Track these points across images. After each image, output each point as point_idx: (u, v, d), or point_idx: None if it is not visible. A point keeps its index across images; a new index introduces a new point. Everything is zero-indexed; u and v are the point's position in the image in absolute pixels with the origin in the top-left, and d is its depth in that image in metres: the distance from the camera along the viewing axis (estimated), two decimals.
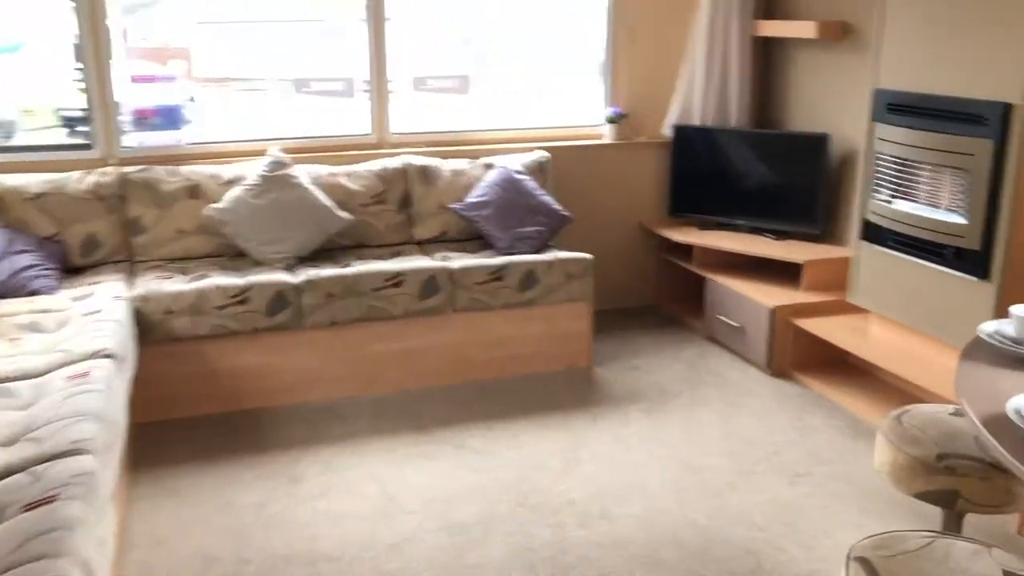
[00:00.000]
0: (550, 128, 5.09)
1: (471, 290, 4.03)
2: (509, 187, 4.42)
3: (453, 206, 4.43)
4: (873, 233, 3.77)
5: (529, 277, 4.10)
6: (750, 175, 4.79)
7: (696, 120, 4.98)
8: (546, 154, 4.72)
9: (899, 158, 3.59)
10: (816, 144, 4.47)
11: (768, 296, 4.26)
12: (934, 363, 3.57)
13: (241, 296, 3.72)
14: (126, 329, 3.35)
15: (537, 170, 4.63)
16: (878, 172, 3.70)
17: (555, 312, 4.20)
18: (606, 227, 5.01)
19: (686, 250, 4.85)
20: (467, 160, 4.63)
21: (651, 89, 5.04)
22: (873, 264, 3.80)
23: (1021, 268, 3.18)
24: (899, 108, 3.55)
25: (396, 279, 3.92)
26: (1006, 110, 3.08)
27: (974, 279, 3.28)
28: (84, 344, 3.09)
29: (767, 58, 4.98)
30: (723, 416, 3.79)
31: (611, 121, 5.00)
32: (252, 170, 4.22)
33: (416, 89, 4.85)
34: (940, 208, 3.45)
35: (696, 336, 4.75)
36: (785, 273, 4.51)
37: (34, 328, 3.33)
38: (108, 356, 3.00)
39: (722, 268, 4.69)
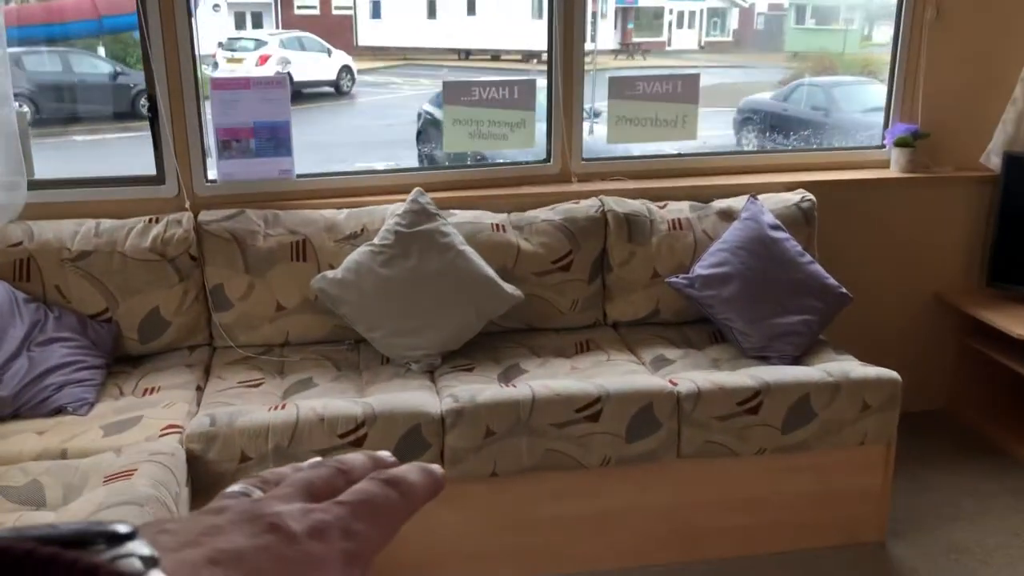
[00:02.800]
0: (808, 152, 3.52)
1: (708, 428, 2.56)
2: (761, 250, 2.90)
3: (673, 280, 2.95)
4: None
5: (801, 408, 2.59)
6: None
7: None
8: (811, 197, 3.16)
9: None
10: None
11: None
12: None
13: (356, 433, 2.39)
14: (173, 502, 2.08)
15: (799, 221, 3.09)
16: None
17: (835, 460, 2.67)
18: (881, 297, 3.41)
19: (1006, 338, 3.19)
20: (691, 204, 3.13)
21: (964, 98, 3.37)
22: None
23: None
24: None
25: (592, 408, 2.49)
26: None
27: None
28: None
29: None
30: None
31: (903, 144, 3.38)
32: (386, 218, 2.89)
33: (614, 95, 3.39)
34: None
35: None
36: None
37: (32, 496, 2.11)
38: None
39: None
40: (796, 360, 2.81)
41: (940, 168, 3.42)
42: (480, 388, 2.53)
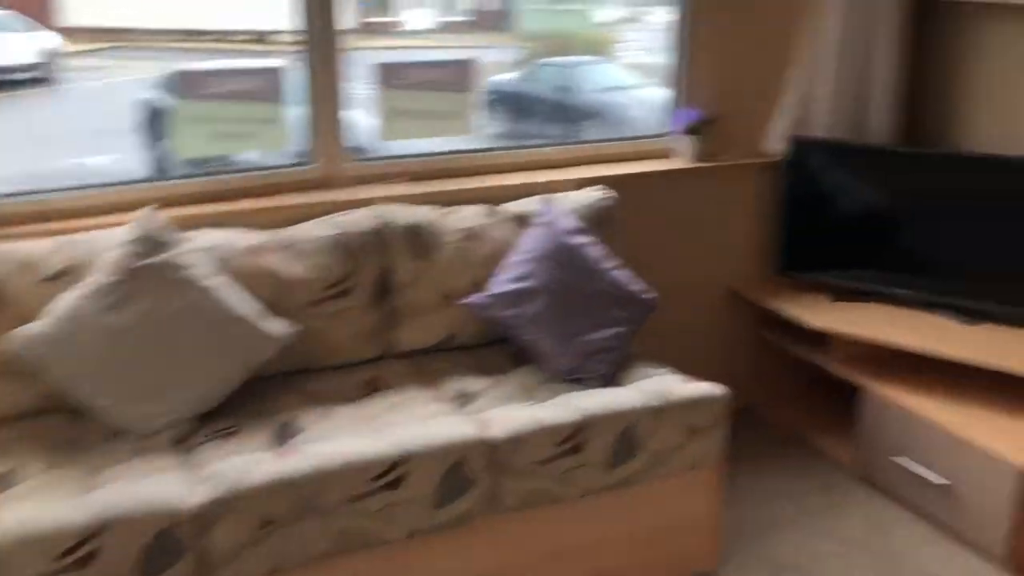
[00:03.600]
0: (596, 143, 3.24)
1: (529, 475, 2.19)
2: (564, 259, 2.57)
3: (471, 300, 2.55)
4: None
5: (626, 440, 2.28)
6: (925, 219, 3.05)
7: (820, 131, 3.21)
8: (609, 194, 2.87)
9: None
10: None
11: (998, 437, 2.56)
12: None
13: (81, 550, 1.78)
14: None
15: (597, 222, 2.79)
16: None
17: (664, 492, 2.40)
18: (678, 295, 3.20)
19: (799, 328, 3.09)
20: (484, 209, 2.74)
21: (748, 81, 3.23)
22: None
23: None
24: None
25: (393, 474, 2.04)
26: None
27: None
28: None
29: (934, 39, 3.20)
30: None
31: (691, 132, 3.18)
32: (107, 249, 2.26)
33: (384, 84, 2.91)
34: None
35: (840, 475, 3.02)
36: (997, 388, 2.82)
37: None
38: None
39: (885, 369, 2.97)
40: (611, 378, 2.50)
41: (729, 155, 3.26)
42: (249, 463, 1.99)
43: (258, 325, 2.28)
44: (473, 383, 2.48)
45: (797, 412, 3.36)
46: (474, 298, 2.55)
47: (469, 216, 2.68)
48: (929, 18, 3.18)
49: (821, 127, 3.20)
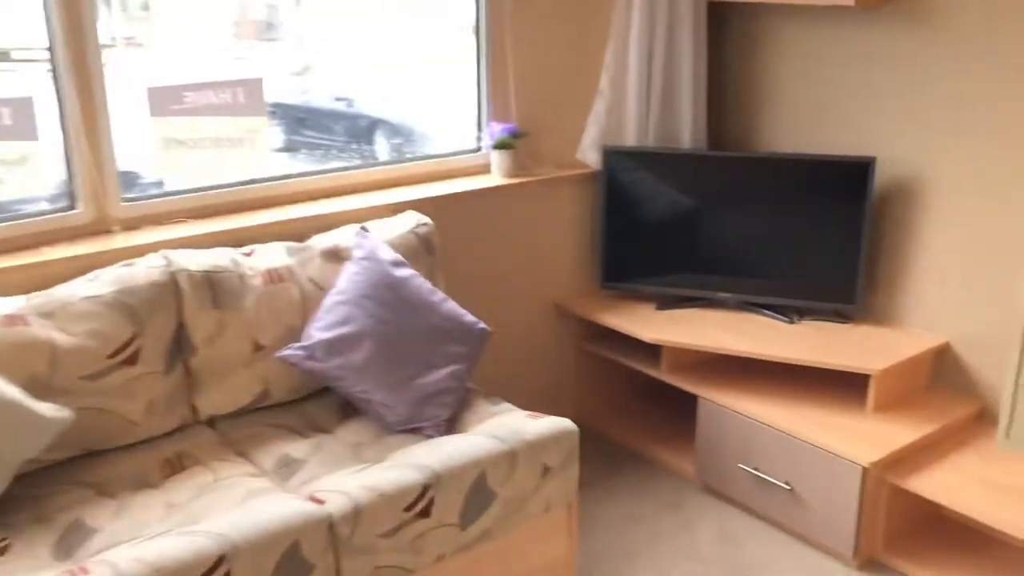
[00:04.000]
0: (407, 163, 3.01)
1: (374, 551, 1.92)
2: (389, 296, 2.32)
3: (287, 352, 2.24)
4: None
5: (479, 493, 2.06)
6: (737, 222, 3.04)
7: (631, 139, 3.14)
8: (426, 220, 2.64)
9: None
10: (853, 175, 2.82)
11: (832, 434, 2.57)
12: None
13: None
14: None
15: (418, 250, 2.56)
16: None
17: (520, 541, 2.20)
18: (504, 314, 3.04)
19: (623, 339, 3.02)
20: (287, 246, 2.43)
21: (558, 90, 3.11)
22: None
23: None
24: None
25: (216, 573, 1.71)
26: None
27: None
28: None
29: (732, 41, 3.21)
30: None
31: (503, 146, 3.01)
32: None
33: (156, 111, 2.52)
34: None
35: (687, 490, 2.96)
36: (824, 384, 2.85)
37: None
38: None
39: (717, 375, 2.94)
40: (452, 424, 2.28)
41: (543, 168, 3.12)
42: None
43: (26, 409, 1.87)
44: (296, 448, 2.18)
45: (635, 427, 3.28)
46: (288, 351, 2.24)
47: (272, 255, 2.37)
48: (726, 21, 3.19)
49: (632, 136, 3.13)
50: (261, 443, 2.20)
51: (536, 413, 2.28)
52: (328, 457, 2.14)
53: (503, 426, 2.19)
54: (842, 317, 2.98)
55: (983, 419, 2.74)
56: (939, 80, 2.67)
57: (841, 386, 2.81)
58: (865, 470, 2.46)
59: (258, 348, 2.26)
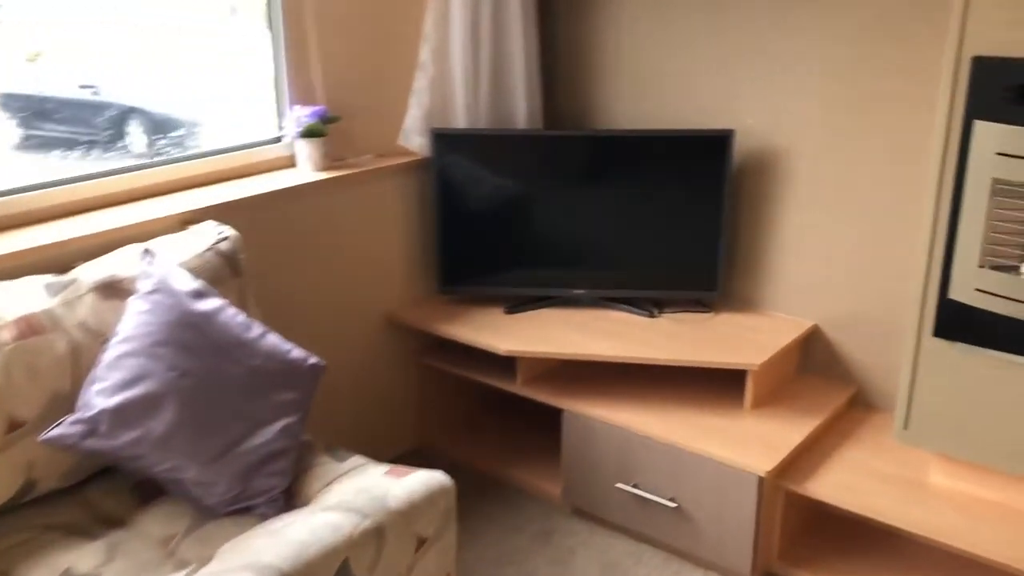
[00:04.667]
0: (195, 160, 2.43)
1: None
2: (193, 338, 1.78)
3: (52, 435, 1.66)
4: (969, 325, 2.01)
5: None
6: (583, 209, 2.71)
7: (461, 121, 2.73)
8: (227, 232, 2.10)
9: None
10: (710, 149, 2.56)
11: (717, 441, 2.32)
12: None
13: None
14: None
15: (222, 272, 2.02)
16: (996, 216, 1.93)
17: None
18: (324, 335, 2.57)
19: (466, 349, 2.63)
20: (47, 280, 1.82)
21: (371, 66, 2.64)
22: (965, 380, 2.06)
23: None
24: None
25: None
26: None
27: None
28: None
29: (565, 11, 2.86)
30: None
31: (311, 134, 2.51)
32: None
33: None
34: None
35: (558, 517, 2.62)
36: (695, 382, 2.60)
37: None
38: None
39: (581, 383, 2.61)
40: (290, 497, 1.79)
41: (361, 158, 2.65)
42: None
43: None
44: (82, 556, 1.61)
45: (491, 449, 2.90)
46: (58, 429, 1.66)
47: (25, 296, 1.76)
48: None
49: (461, 116, 2.72)
50: (28, 556, 1.61)
51: (399, 468, 1.84)
52: (130, 565, 1.59)
53: (360, 493, 1.73)
54: (703, 306, 2.74)
55: (858, 404, 2.59)
56: (793, 45, 2.45)
57: (714, 383, 2.57)
58: (761, 479, 2.21)
59: (14, 427, 1.66)
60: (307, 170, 2.54)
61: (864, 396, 2.59)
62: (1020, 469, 2.04)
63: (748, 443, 2.31)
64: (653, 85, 2.74)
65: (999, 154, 1.85)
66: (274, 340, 1.89)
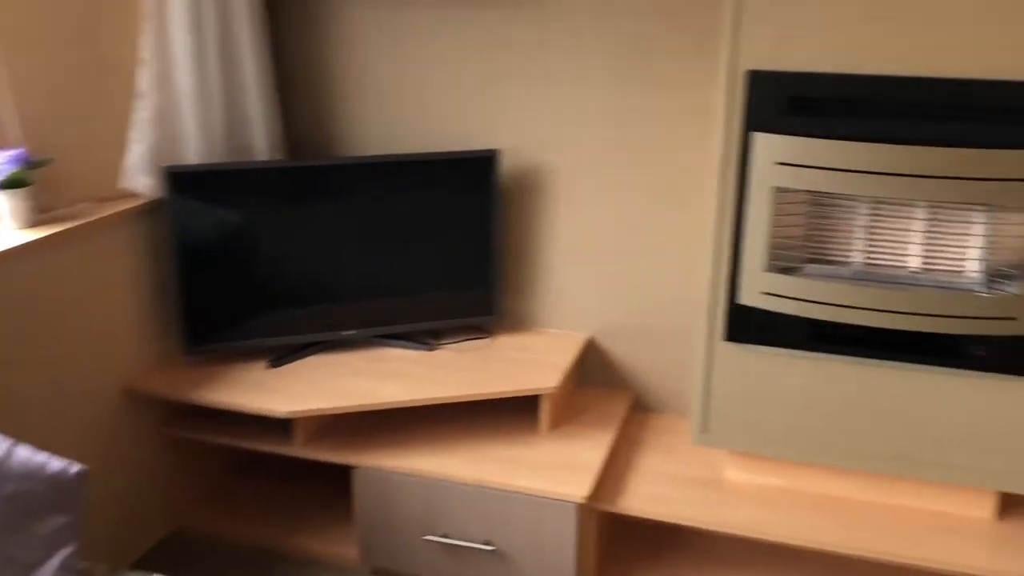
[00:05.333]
0: None
1: None
2: None
3: None
4: (757, 327, 2.11)
5: None
6: (345, 243, 2.49)
7: (194, 155, 2.39)
8: None
9: (831, 196, 2.00)
10: (475, 171, 2.47)
11: (525, 473, 2.24)
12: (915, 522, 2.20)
13: None
14: None
15: None
16: (778, 222, 2.02)
17: None
18: (52, 420, 2.14)
19: (219, 414, 2.33)
20: None
21: (78, 101, 2.21)
22: (756, 379, 2.16)
23: None
24: (822, 105, 1.90)
25: None
26: None
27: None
28: None
29: (300, 29, 2.57)
30: None
31: (13, 184, 2.06)
32: None
33: None
34: (944, 273, 2.01)
35: None
36: (486, 413, 2.50)
37: None
38: None
39: (364, 434, 2.40)
40: None
41: (76, 208, 2.22)
42: None
43: None
44: None
45: (270, 520, 2.57)
46: None
47: None
48: (286, 8, 2.57)
49: (194, 150, 2.38)
50: None
51: None
52: None
53: None
54: (482, 331, 2.64)
55: (640, 409, 2.65)
56: (557, 61, 2.42)
57: (505, 410, 2.49)
58: (580, 506, 2.16)
59: None
60: (10, 229, 2.07)
61: (643, 401, 2.64)
62: (808, 456, 2.17)
63: (556, 469, 2.25)
64: (407, 106, 2.58)
65: (778, 163, 1.93)
66: (25, 454, 1.50)
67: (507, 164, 2.54)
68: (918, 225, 2.00)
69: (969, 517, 2.15)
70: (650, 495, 2.25)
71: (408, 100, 2.57)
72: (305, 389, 2.32)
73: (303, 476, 2.67)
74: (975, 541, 2.07)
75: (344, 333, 2.52)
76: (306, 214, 2.43)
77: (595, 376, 2.66)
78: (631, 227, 2.49)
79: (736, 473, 2.31)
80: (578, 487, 2.18)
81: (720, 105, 1.99)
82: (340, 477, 2.64)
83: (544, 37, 2.39)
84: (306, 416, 2.29)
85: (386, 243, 2.49)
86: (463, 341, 2.59)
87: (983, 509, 2.14)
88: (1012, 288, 1.91)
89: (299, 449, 2.34)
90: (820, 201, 2.03)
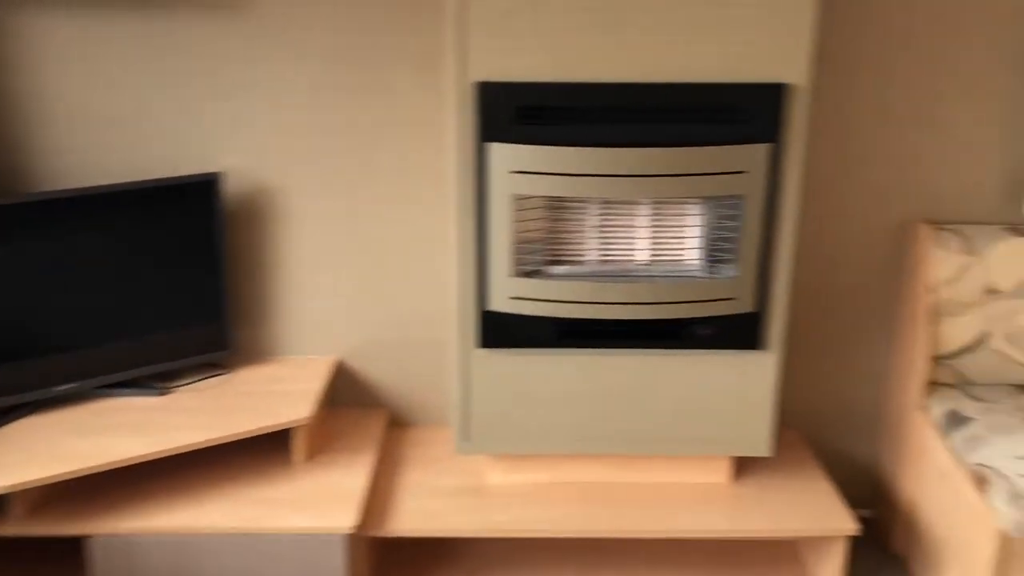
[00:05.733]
0: None
1: None
2: None
3: None
4: (508, 332, 2.15)
5: None
6: (53, 286, 2.21)
7: None
8: None
9: (565, 200, 2.07)
10: (195, 197, 2.29)
11: (285, 511, 2.13)
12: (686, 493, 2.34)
13: None
14: None
15: None
16: (519, 228, 2.06)
17: None
18: None
19: None
20: None
21: None
22: (510, 381, 2.20)
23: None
24: (548, 113, 1.97)
25: None
26: (778, 95, 1.98)
27: (747, 352, 2.18)
28: None
29: None
30: None
31: None
32: None
33: None
34: (668, 263, 2.15)
35: None
36: (226, 454, 2.34)
37: None
38: None
39: (93, 499, 2.15)
40: None
41: None
42: None
43: None
44: None
45: None
46: None
47: None
48: None
49: None
50: None
51: None
52: None
53: None
54: (218, 367, 2.46)
55: (397, 425, 2.61)
56: (269, 73, 2.30)
57: (255, 446, 2.35)
58: (348, 536, 2.08)
59: None
60: None
61: (399, 417, 2.60)
62: (566, 447, 2.24)
63: (319, 502, 2.15)
64: (114, 132, 2.33)
65: (513, 172, 1.97)
66: None
67: (233, 187, 2.38)
68: (643, 221, 2.13)
69: (710, 483, 2.33)
70: (418, 511, 2.22)
71: (117, 124, 2.32)
72: (20, 457, 2.04)
73: (29, 556, 2.34)
74: (716, 506, 2.25)
75: (57, 389, 2.24)
76: (32, 255, 2.13)
77: (347, 398, 2.58)
78: (372, 243, 2.44)
79: (499, 476, 2.34)
80: (343, 517, 2.09)
81: (452, 116, 1.99)
82: (73, 552, 2.35)
83: (261, 51, 2.27)
84: (25, 488, 2.01)
85: (100, 283, 2.24)
86: (198, 380, 2.40)
87: (720, 474, 2.33)
88: (729, 271, 2.09)
89: (19, 527, 2.05)
90: (556, 205, 2.10)
